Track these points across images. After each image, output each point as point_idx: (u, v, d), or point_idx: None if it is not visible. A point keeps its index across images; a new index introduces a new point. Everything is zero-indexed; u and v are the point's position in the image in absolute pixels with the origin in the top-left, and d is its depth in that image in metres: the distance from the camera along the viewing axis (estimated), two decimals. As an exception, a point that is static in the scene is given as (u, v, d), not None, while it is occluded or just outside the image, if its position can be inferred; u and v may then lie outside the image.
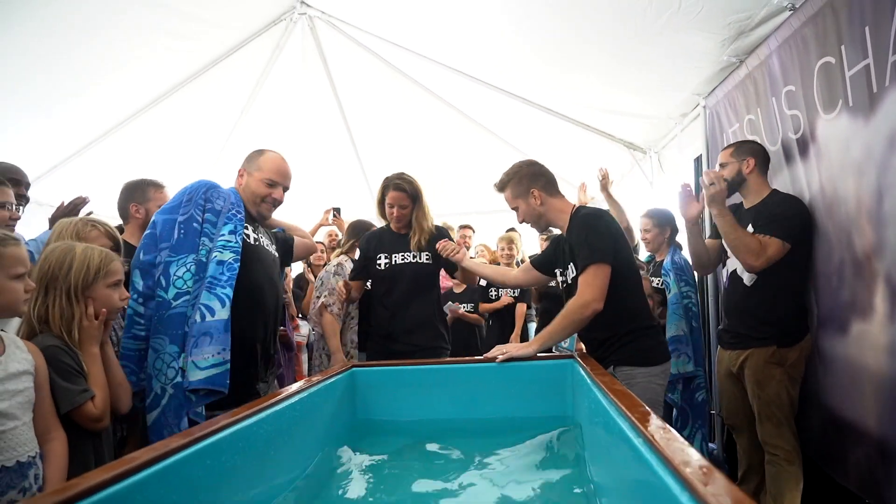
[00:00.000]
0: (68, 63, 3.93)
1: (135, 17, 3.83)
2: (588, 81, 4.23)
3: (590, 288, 2.16)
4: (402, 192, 3.06)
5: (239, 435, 1.30)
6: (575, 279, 2.30)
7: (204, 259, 2.11)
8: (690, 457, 0.87)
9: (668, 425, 1.09)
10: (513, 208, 2.51)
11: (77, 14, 3.58)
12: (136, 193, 2.87)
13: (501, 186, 2.52)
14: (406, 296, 3.10)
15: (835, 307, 2.32)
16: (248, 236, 2.30)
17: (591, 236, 2.23)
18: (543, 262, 2.70)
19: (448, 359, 2.81)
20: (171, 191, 3.03)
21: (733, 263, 2.64)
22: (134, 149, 5.13)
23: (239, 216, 2.24)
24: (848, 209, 2.19)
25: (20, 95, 4.02)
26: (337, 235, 5.67)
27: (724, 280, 2.83)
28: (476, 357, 2.42)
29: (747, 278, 2.56)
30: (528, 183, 2.45)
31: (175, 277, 2.07)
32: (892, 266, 1.92)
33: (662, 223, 3.68)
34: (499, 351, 2.25)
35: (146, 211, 2.83)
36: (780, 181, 2.72)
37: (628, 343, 2.28)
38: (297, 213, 5.12)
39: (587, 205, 2.53)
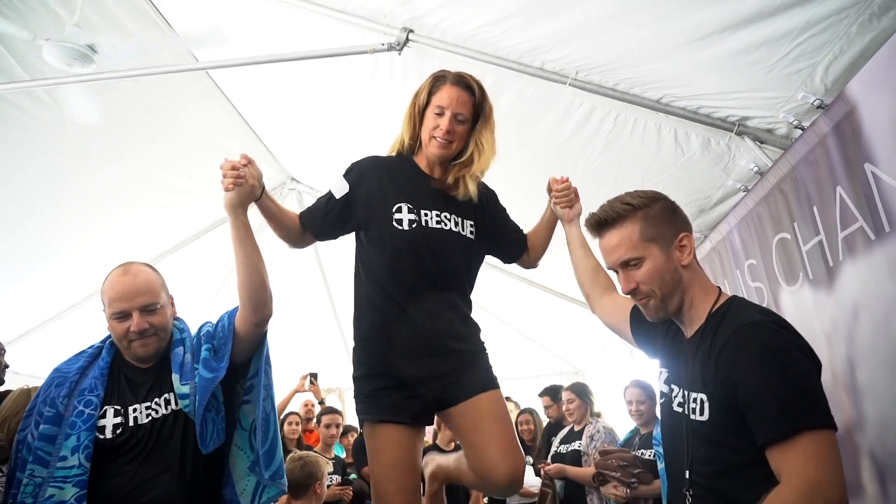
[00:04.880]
0: (53, 223, 4.02)
1: (129, 186, 4.03)
2: (564, 252, 4.39)
3: (819, 466, 1.18)
4: (468, 93, 1.85)
5: None
6: (717, 423, 1.34)
7: (30, 501, 1.54)
8: None
9: None
10: (624, 262, 1.46)
11: (73, 184, 3.75)
12: None
13: (620, 215, 1.48)
14: (444, 283, 1.85)
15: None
16: (102, 432, 1.64)
17: (801, 382, 1.27)
18: (645, 333, 1.67)
19: None
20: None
21: None
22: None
23: (89, 410, 1.64)
24: (824, 381, 2.18)
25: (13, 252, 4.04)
26: (314, 405, 5.48)
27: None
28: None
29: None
30: (676, 224, 1.48)
31: None
32: (876, 442, 1.87)
33: (653, 395, 3.65)
34: None
35: None
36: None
37: None
38: (274, 377, 4.99)
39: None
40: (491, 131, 1.90)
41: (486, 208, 2.02)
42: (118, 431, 1.65)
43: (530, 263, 2.20)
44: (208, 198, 4.52)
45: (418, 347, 1.79)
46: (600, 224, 1.50)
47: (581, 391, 4.15)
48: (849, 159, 1.91)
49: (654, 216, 1.45)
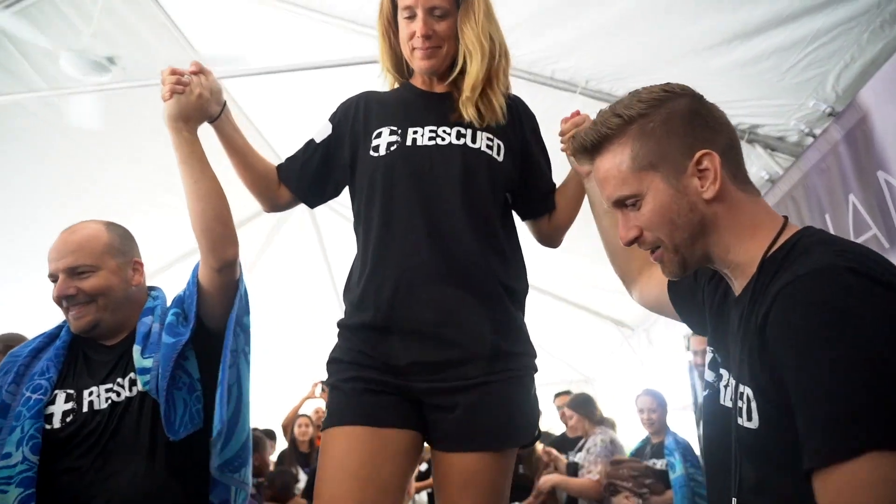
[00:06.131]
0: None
1: (136, 189, 4.07)
2: (573, 258, 4.40)
3: None
4: None
5: None
6: (769, 433, 0.83)
7: None
8: None
9: None
10: (617, 201, 0.98)
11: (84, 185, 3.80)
12: None
13: (605, 135, 0.97)
14: (435, 217, 1.30)
15: None
16: (49, 422, 1.34)
17: (878, 373, 0.69)
18: (688, 302, 1.15)
19: None
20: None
21: None
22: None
23: (37, 395, 1.36)
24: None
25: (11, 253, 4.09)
26: (324, 412, 5.49)
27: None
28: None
29: None
30: (693, 136, 0.93)
31: None
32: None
33: (664, 404, 3.63)
34: None
35: None
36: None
37: None
38: (285, 386, 5.00)
39: None
40: (476, 19, 1.33)
41: (517, 129, 1.44)
42: (68, 419, 1.35)
43: (551, 231, 1.52)
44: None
45: (401, 323, 1.28)
46: (586, 149, 1.01)
47: (578, 404, 4.11)
48: (861, 167, 1.90)
49: (653, 130, 0.94)
